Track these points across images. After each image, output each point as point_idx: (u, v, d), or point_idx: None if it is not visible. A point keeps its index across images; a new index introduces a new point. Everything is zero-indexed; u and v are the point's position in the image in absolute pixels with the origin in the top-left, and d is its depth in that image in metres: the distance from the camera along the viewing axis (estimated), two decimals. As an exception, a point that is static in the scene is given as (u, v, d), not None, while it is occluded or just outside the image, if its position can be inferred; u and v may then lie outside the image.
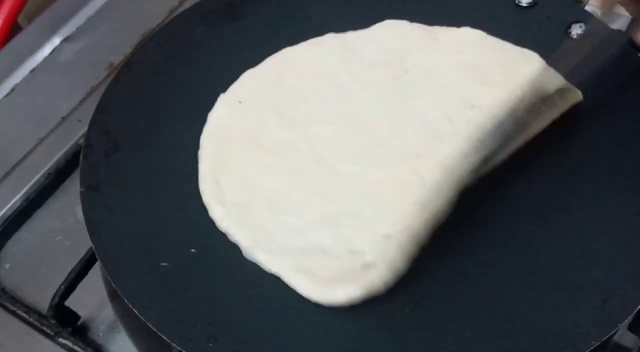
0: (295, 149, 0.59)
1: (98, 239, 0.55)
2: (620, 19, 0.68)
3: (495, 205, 0.55)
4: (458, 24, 0.65)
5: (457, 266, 0.52)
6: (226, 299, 0.51)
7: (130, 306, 0.51)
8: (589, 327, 0.48)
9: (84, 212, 0.56)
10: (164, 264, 0.53)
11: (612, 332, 0.48)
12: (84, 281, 0.57)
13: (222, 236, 0.55)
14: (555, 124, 0.58)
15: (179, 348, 0.49)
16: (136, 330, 0.58)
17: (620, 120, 0.59)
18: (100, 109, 0.63)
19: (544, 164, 0.57)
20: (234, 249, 0.54)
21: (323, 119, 0.61)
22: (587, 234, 0.53)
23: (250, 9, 0.68)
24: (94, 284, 0.60)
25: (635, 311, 0.48)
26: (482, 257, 0.53)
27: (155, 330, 0.49)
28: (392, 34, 0.65)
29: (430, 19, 0.66)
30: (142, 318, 0.50)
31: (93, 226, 0.55)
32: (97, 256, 0.54)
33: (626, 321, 0.48)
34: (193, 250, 0.54)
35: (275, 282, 0.52)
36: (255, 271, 0.53)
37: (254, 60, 0.65)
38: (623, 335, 0.53)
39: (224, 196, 0.56)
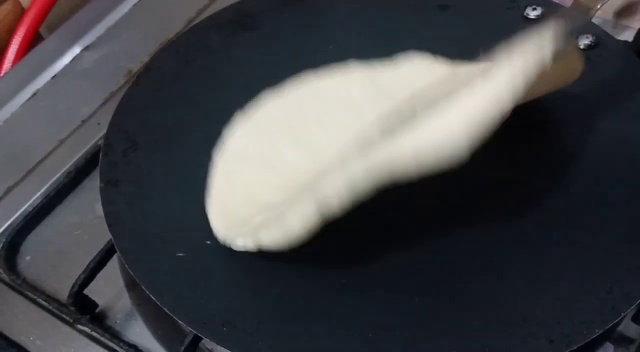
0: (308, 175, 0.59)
1: (116, 231, 0.56)
2: (628, 31, 0.70)
3: (500, 201, 0.57)
4: (468, 34, 0.67)
5: (462, 259, 0.53)
6: (240, 286, 0.53)
7: (148, 292, 0.52)
8: (592, 317, 0.48)
9: (103, 206, 0.58)
10: (180, 254, 0.55)
11: (615, 322, 0.48)
12: (101, 272, 0.59)
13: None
14: (563, 126, 0.60)
15: (195, 332, 0.51)
16: (152, 317, 0.59)
17: (627, 128, 0.60)
18: (119, 111, 0.64)
19: (549, 162, 0.59)
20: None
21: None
22: (593, 230, 0.54)
23: (265, 20, 0.70)
24: (111, 275, 0.61)
25: (638, 302, 0.49)
26: (487, 251, 0.53)
27: (171, 315, 0.51)
28: (418, 70, 0.64)
29: (442, 36, 0.68)
30: (159, 304, 0.51)
31: (112, 218, 0.57)
32: (115, 247, 0.56)
33: (629, 311, 0.49)
34: (208, 242, 0.55)
35: (287, 271, 0.53)
36: (266, 258, 0.54)
37: (268, 69, 0.66)
38: (627, 326, 0.54)
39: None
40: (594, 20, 0.69)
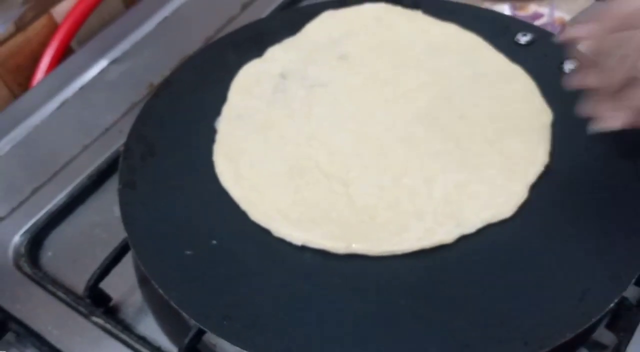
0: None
1: (131, 229, 0.58)
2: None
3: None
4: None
5: (446, 265, 0.55)
6: (241, 284, 0.55)
7: (157, 287, 0.54)
8: (566, 321, 0.50)
9: (120, 206, 0.60)
10: (188, 252, 0.57)
11: (586, 327, 0.50)
12: (117, 269, 0.61)
13: (240, 230, 0.58)
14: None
15: (198, 324, 0.53)
16: (161, 312, 0.61)
17: (605, 145, 0.60)
18: (139, 119, 0.67)
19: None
20: (248, 241, 0.57)
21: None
22: (567, 241, 0.55)
23: (276, 39, 0.72)
24: (125, 272, 0.63)
25: (607, 309, 0.51)
26: (470, 259, 0.55)
27: (177, 308, 0.53)
28: None
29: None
30: (166, 298, 0.53)
31: (128, 218, 0.59)
32: (129, 244, 0.58)
33: (599, 317, 0.50)
34: (214, 242, 0.57)
35: (283, 271, 0.55)
36: (265, 259, 0.56)
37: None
38: (602, 333, 0.55)
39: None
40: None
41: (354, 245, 0.55)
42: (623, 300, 0.53)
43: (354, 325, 0.51)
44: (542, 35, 0.70)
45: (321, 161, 0.61)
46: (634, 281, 0.52)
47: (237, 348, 0.51)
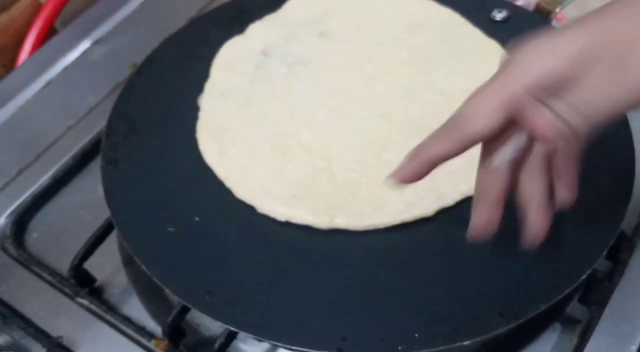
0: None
1: (114, 206, 0.58)
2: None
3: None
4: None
5: (430, 240, 0.55)
6: (223, 260, 0.54)
7: (139, 263, 0.54)
8: (539, 293, 0.50)
9: (103, 183, 0.60)
10: (171, 229, 0.56)
11: (559, 298, 0.50)
12: (101, 250, 0.60)
13: (222, 206, 0.58)
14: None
15: (180, 300, 0.52)
16: (145, 292, 0.61)
17: None
18: (122, 97, 0.66)
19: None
20: (231, 217, 0.57)
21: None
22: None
23: (258, 16, 0.71)
24: (110, 253, 0.63)
25: (579, 281, 0.51)
26: (450, 232, 0.54)
27: (159, 284, 0.53)
28: None
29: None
30: (149, 274, 0.53)
31: (110, 195, 0.59)
32: (112, 221, 0.58)
33: (571, 288, 0.51)
34: (197, 218, 0.57)
35: (264, 246, 0.55)
36: (249, 235, 0.56)
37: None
38: (574, 308, 0.56)
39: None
40: (553, 23, 0.71)
41: (336, 220, 0.55)
42: (595, 273, 0.53)
43: (333, 300, 0.52)
44: (516, 12, 0.70)
45: (303, 138, 0.60)
46: (604, 254, 0.52)
47: (220, 324, 0.51)
